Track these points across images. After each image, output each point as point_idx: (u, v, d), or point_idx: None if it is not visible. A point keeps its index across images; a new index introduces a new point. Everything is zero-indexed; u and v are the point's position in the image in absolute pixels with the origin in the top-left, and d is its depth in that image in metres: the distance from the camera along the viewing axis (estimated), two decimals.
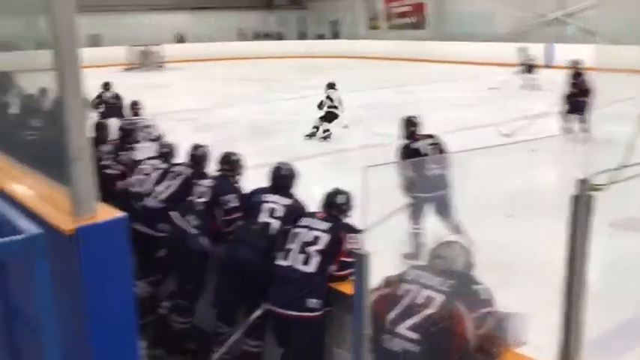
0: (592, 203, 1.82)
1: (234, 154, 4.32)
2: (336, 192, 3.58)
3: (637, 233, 6.06)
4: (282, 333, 3.42)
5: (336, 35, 33.37)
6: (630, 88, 11.72)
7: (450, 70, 22.53)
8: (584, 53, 12.90)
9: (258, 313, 3.41)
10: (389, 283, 2.62)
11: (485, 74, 20.48)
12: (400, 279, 2.61)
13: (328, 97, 11.51)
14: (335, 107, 11.39)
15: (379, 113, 13.75)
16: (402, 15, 31.12)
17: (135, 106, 8.91)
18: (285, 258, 3.35)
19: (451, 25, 28.12)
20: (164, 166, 4.79)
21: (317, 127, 11.31)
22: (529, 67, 17.28)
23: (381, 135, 11.32)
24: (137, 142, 5.70)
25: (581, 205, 1.82)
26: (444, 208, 5.36)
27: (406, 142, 5.51)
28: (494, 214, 6.45)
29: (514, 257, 5.06)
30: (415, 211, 5.33)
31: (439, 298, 2.44)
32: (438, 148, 5.47)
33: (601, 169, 1.81)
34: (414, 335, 2.40)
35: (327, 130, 11.28)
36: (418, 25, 30.14)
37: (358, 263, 2.10)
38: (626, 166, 1.79)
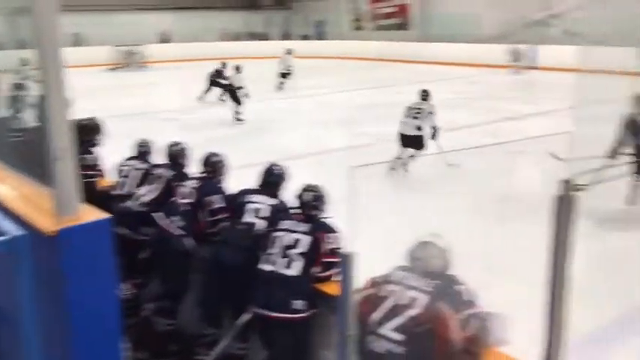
0: (575, 203, 1.84)
1: (215, 155, 4.30)
2: (303, 190, 3.54)
3: (620, 232, 6.13)
4: (268, 335, 3.41)
5: (321, 36, 33.36)
6: (614, 90, 11.85)
7: (436, 71, 22.65)
8: (568, 55, 13.06)
9: (246, 317, 3.40)
10: (374, 283, 2.62)
11: (471, 75, 20.62)
12: (385, 279, 2.61)
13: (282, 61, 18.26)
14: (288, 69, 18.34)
15: (367, 114, 13.80)
16: (387, 16, 31.17)
17: None
18: (268, 262, 3.34)
19: (436, 27, 28.22)
20: (144, 166, 4.73)
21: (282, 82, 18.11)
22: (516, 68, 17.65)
23: (369, 135, 11.39)
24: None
25: (565, 206, 1.84)
26: None
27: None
28: (480, 216, 6.50)
29: (500, 259, 5.09)
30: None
31: (423, 299, 2.44)
32: None
33: (584, 169, 1.82)
34: (398, 336, 2.40)
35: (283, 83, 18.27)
36: (403, 26, 30.20)
37: (343, 264, 2.10)
38: (608, 167, 1.81)
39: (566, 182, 1.82)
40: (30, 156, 2.30)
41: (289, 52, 18.56)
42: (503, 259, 5.08)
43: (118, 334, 1.92)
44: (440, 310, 2.39)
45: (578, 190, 1.81)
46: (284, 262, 3.29)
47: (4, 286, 2.09)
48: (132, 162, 4.81)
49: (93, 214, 1.86)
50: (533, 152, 9.71)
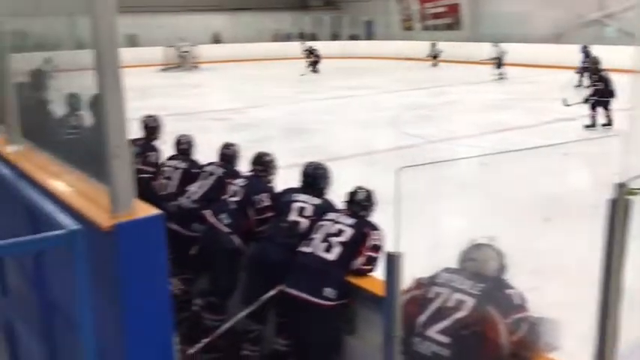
0: (630, 208, 1.79)
1: (266, 154, 4.35)
2: (357, 189, 3.62)
3: None
4: (295, 318, 3.43)
5: (370, 36, 33.24)
6: None
7: (486, 71, 22.29)
8: (623, 55, 12.70)
9: (272, 292, 3.43)
10: (420, 285, 2.61)
11: (520, 76, 20.21)
12: (431, 281, 2.59)
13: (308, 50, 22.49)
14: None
15: (414, 114, 13.70)
16: (437, 16, 30.81)
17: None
18: (308, 246, 3.41)
19: (486, 26, 27.70)
20: (183, 165, 4.82)
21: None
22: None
23: (415, 136, 11.31)
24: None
25: (619, 210, 1.79)
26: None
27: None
28: (529, 218, 6.36)
29: (549, 262, 4.98)
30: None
31: (470, 302, 2.41)
32: None
33: (637, 172, 1.78)
34: (444, 339, 2.38)
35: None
36: (453, 26, 29.81)
37: (390, 263, 2.09)
38: None
39: (621, 186, 1.78)
40: (86, 153, 2.38)
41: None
42: (552, 261, 4.97)
43: (170, 329, 1.96)
44: (488, 314, 2.36)
45: (633, 194, 1.77)
46: (323, 246, 3.35)
47: (60, 279, 2.16)
48: (172, 162, 4.89)
49: (147, 210, 1.90)
50: (584, 154, 9.47)
